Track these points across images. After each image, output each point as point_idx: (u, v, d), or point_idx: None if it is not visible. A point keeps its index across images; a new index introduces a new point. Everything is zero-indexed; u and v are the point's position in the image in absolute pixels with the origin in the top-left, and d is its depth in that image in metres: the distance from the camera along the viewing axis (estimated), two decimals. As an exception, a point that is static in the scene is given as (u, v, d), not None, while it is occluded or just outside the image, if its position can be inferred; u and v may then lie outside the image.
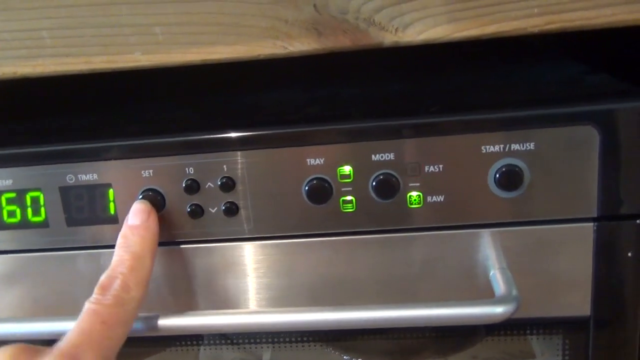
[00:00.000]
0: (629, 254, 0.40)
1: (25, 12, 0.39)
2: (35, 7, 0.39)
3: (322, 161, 0.40)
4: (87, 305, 0.37)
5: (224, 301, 0.44)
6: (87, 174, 0.41)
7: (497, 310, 0.38)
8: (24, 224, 0.42)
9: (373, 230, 0.41)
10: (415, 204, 0.40)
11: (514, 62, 0.54)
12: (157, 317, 0.40)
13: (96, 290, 0.38)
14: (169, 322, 0.41)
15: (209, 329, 0.43)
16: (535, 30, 0.38)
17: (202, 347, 0.50)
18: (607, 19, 0.37)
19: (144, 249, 0.39)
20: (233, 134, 0.40)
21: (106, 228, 0.42)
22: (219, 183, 0.41)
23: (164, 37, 0.39)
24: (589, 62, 0.50)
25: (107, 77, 0.41)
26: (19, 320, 0.42)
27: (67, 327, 0.40)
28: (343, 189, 0.40)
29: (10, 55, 0.40)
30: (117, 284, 0.38)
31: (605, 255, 0.40)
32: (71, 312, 0.43)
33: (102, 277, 0.38)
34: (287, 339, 0.47)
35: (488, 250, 0.41)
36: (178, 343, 0.49)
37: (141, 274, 0.39)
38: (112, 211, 0.42)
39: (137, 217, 0.40)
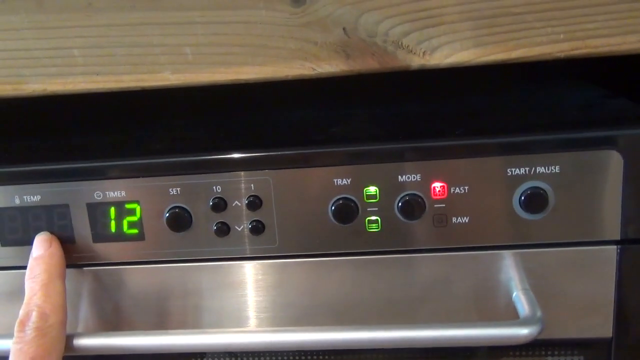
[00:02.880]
0: (651, 277, 0.41)
1: (57, 31, 0.40)
2: (67, 26, 0.40)
3: (348, 181, 0.40)
4: (12, 347, 0.38)
5: (247, 319, 0.44)
6: (114, 191, 0.42)
7: (522, 332, 0.38)
8: (50, 240, 0.43)
9: (398, 250, 0.42)
10: (440, 225, 0.41)
11: (534, 84, 0.55)
12: (175, 334, 0.41)
13: (16, 328, 0.38)
14: (188, 340, 0.41)
15: (230, 347, 0.43)
16: (561, 55, 0.39)
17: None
18: (632, 46, 0.38)
19: (51, 275, 0.40)
20: (261, 154, 0.41)
21: (132, 245, 0.42)
22: (246, 202, 0.41)
23: (193, 57, 0.40)
24: (604, 85, 0.51)
25: (135, 95, 0.42)
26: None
27: (87, 343, 0.41)
28: (369, 209, 0.41)
29: (41, 72, 0.41)
30: (34, 316, 0.38)
31: (628, 277, 0.41)
32: (92, 328, 0.44)
33: (19, 315, 0.39)
34: (309, 358, 0.48)
35: (511, 272, 0.41)
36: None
37: (55, 299, 0.40)
38: (138, 228, 0.42)
39: (39, 248, 0.42)
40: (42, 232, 0.42)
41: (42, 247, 0.42)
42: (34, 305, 0.39)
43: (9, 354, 0.38)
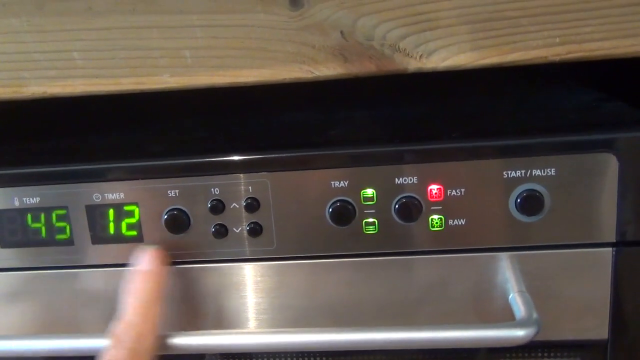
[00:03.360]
0: (647, 279, 0.41)
1: (57, 34, 0.40)
2: (67, 29, 0.40)
3: (346, 184, 0.41)
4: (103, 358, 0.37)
5: (245, 320, 0.44)
6: (113, 193, 0.42)
7: (519, 334, 0.38)
8: (49, 242, 0.43)
9: (394, 252, 0.42)
10: (436, 227, 0.41)
11: (531, 87, 0.55)
12: (175, 335, 0.41)
13: (110, 339, 0.37)
14: (187, 341, 0.41)
15: (229, 348, 0.43)
16: (557, 59, 0.39)
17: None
18: (627, 49, 0.38)
19: (155, 296, 0.40)
20: (258, 156, 0.41)
21: (131, 247, 0.42)
22: (244, 204, 0.41)
23: (192, 61, 0.40)
24: (599, 88, 0.51)
25: (135, 97, 0.42)
26: (41, 337, 0.42)
27: (89, 344, 0.41)
28: (366, 211, 0.41)
29: (41, 75, 0.41)
30: (132, 335, 0.37)
31: (624, 279, 0.41)
32: (94, 329, 0.44)
33: (115, 327, 0.38)
34: (307, 359, 0.48)
35: (507, 274, 0.42)
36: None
37: (153, 321, 0.39)
38: (137, 230, 0.42)
39: (145, 263, 0.41)
40: (154, 247, 0.41)
41: (149, 262, 0.41)
42: (133, 324, 0.38)
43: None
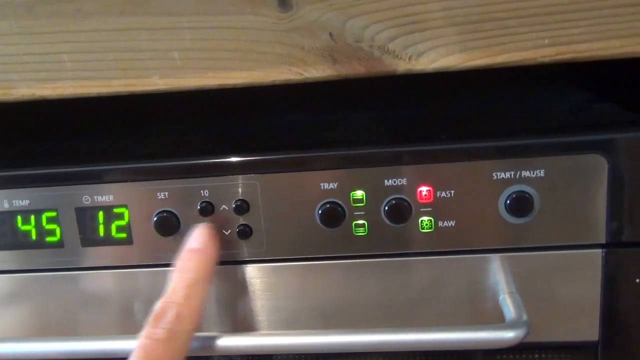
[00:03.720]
0: (637, 280, 0.41)
1: (46, 36, 0.40)
2: (56, 31, 0.40)
3: (335, 185, 0.41)
4: (140, 341, 0.35)
5: (234, 323, 0.44)
6: (103, 195, 0.42)
7: (508, 335, 0.38)
8: (39, 244, 0.43)
9: (384, 254, 0.42)
10: (426, 228, 0.41)
11: (521, 88, 0.55)
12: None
13: (149, 321, 0.36)
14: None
15: (217, 350, 0.43)
16: (546, 60, 0.39)
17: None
18: (616, 51, 0.38)
19: (201, 276, 0.38)
20: (248, 158, 0.41)
21: (121, 249, 0.42)
22: (234, 206, 0.41)
23: (181, 62, 0.40)
24: (593, 89, 0.51)
25: (124, 99, 0.42)
26: (31, 340, 0.42)
27: (78, 347, 0.41)
28: (355, 213, 0.41)
29: (30, 77, 0.41)
30: (170, 314, 0.36)
31: (613, 281, 0.41)
32: (84, 332, 0.44)
33: (157, 306, 0.37)
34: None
35: (497, 275, 0.42)
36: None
37: (195, 303, 0.37)
38: (127, 232, 0.42)
39: (197, 242, 0.39)
40: (205, 224, 0.40)
41: (201, 240, 0.39)
42: (174, 303, 0.37)
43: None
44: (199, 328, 0.38)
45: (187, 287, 0.38)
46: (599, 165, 0.39)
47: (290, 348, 0.41)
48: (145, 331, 0.36)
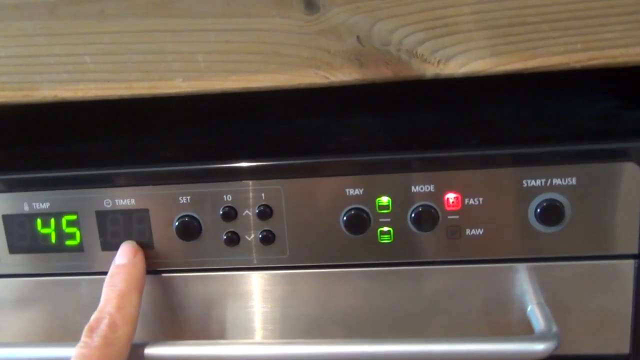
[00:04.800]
0: (670, 292, 0.40)
1: (69, 37, 0.40)
2: (79, 32, 0.39)
3: (360, 191, 0.40)
4: (76, 351, 0.37)
5: (256, 330, 0.43)
6: (124, 199, 0.41)
7: (538, 347, 0.37)
8: (59, 247, 0.42)
9: (410, 262, 0.41)
10: (453, 236, 0.40)
11: (549, 94, 0.54)
12: (178, 344, 0.40)
13: (84, 333, 0.38)
14: (195, 351, 0.40)
15: (243, 359, 0.42)
16: (578, 65, 0.38)
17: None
18: (650, 56, 0.38)
19: (129, 287, 0.40)
20: (271, 163, 0.40)
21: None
22: (257, 211, 0.40)
23: (205, 65, 0.40)
24: (618, 96, 0.50)
25: (146, 101, 0.42)
26: (50, 345, 0.42)
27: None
28: (381, 220, 0.40)
29: (52, 79, 0.40)
30: (104, 324, 0.38)
31: (646, 293, 0.40)
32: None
33: (90, 320, 0.39)
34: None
35: (525, 285, 0.41)
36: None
37: (128, 311, 0.39)
38: (148, 237, 0.41)
39: (123, 256, 0.41)
40: (128, 241, 0.42)
41: (126, 256, 0.41)
42: (106, 313, 0.39)
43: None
44: (133, 336, 0.39)
45: (118, 297, 0.39)
46: (632, 174, 0.38)
47: (312, 357, 0.40)
48: (82, 342, 0.38)
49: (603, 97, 0.51)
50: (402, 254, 0.41)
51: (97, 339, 0.37)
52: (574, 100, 0.52)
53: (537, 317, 0.39)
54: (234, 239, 0.41)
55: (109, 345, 0.37)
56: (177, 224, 0.41)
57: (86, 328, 0.38)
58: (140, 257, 0.41)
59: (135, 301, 0.40)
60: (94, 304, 0.43)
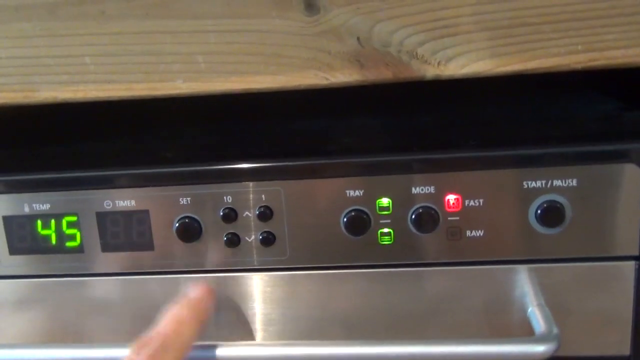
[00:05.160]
0: (671, 294, 0.40)
1: (69, 39, 0.39)
2: (79, 33, 0.39)
3: (361, 193, 0.40)
4: None
5: (256, 331, 0.43)
6: (124, 200, 0.41)
7: (538, 349, 0.37)
8: (59, 249, 0.42)
9: (410, 264, 0.41)
10: (454, 238, 0.40)
11: (550, 95, 0.54)
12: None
13: (133, 347, 0.36)
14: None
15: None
16: (579, 67, 0.38)
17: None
18: (652, 57, 0.37)
19: (192, 317, 0.39)
20: (272, 164, 0.40)
21: (141, 255, 0.42)
22: (257, 212, 0.40)
23: (206, 66, 0.40)
24: (619, 97, 0.50)
25: (146, 102, 0.42)
26: (50, 346, 0.42)
27: (98, 354, 0.40)
28: (381, 221, 0.40)
29: (52, 80, 0.40)
30: (155, 343, 0.36)
31: (647, 294, 0.40)
32: (102, 338, 0.44)
33: (143, 335, 0.37)
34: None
35: (526, 287, 0.41)
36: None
37: (184, 340, 0.37)
38: (148, 238, 0.41)
39: (194, 291, 0.40)
40: (205, 283, 0.41)
41: (197, 290, 0.41)
42: (161, 335, 0.37)
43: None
44: None
45: (178, 323, 0.38)
46: (633, 175, 0.38)
47: (312, 359, 0.40)
48: (130, 353, 0.36)
49: (604, 99, 0.51)
50: (403, 256, 0.41)
51: (142, 356, 0.35)
52: (575, 102, 0.52)
53: (537, 318, 0.39)
54: (234, 241, 0.41)
55: None
56: (177, 225, 0.41)
57: (136, 342, 0.37)
58: (212, 298, 0.41)
59: (193, 333, 0.38)
60: (94, 306, 0.43)
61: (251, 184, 0.40)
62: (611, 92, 0.52)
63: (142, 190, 0.41)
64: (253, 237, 0.41)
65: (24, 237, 0.42)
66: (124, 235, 0.42)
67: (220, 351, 0.40)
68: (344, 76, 0.39)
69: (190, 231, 0.41)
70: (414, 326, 0.42)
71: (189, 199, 0.41)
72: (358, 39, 0.38)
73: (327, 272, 0.41)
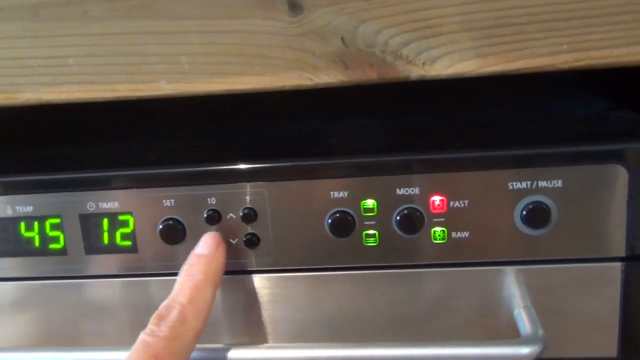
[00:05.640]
0: (658, 296, 0.39)
1: (52, 39, 0.39)
2: (62, 34, 0.39)
3: (345, 194, 0.40)
4: (141, 337, 0.35)
5: (240, 334, 0.43)
6: (107, 202, 0.41)
7: (523, 351, 0.37)
8: (43, 251, 0.42)
9: (395, 265, 0.41)
10: (439, 239, 0.40)
11: (537, 96, 0.54)
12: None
13: (152, 320, 0.36)
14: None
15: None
16: (564, 66, 0.38)
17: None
18: (636, 57, 0.37)
19: (206, 279, 0.38)
20: (256, 165, 0.40)
21: (125, 257, 0.42)
22: (241, 214, 0.40)
23: (189, 67, 0.39)
24: (610, 97, 0.50)
25: (130, 104, 0.41)
26: (34, 349, 0.41)
27: (81, 357, 0.40)
28: (366, 223, 0.40)
29: (35, 81, 0.40)
30: (174, 314, 0.36)
31: (634, 295, 0.39)
32: (86, 341, 0.43)
33: (160, 307, 0.37)
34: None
35: (512, 288, 0.40)
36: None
37: (201, 304, 0.37)
38: (131, 240, 0.41)
39: (205, 247, 0.40)
40: (212, 232, 0.40)
41: (207, 246, 0.40)
42: (177, 303, 0.37)
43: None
44: (202, 331, 0.37)
45: (193, 288, 0.38)
46: (618, 176, 0.38)
47: (297, 361, 0.40)
48: (148, 330, 0.36)
49: (594, 99, 0.51)
50: (388, 257, 0.40)
51: (164, 329, 0.35)
52: (563, 102, 0.51)
53: (523, 320, 0.39)
54: (218, 243, 0.41)
55: (176, 338, 0.35)
56: (161, 227, 0.41)
57: (154, 315, 0.36)
58: (221, 250, 0.40)
59: (209, 295, 0.38)
60: (78, 308, 0.43)
61: (235, 185, 0.40)
62: (603, 91, 0.52)
63: (126, 192, 0.41)
64: (237, 239, 0.41)
65: (7, 240, 0.42)
66: (108, 237, 0.41)
67: (204, 354, 0.40)
68: (328, 77, 0.39)
69: (174, 233, 0.41)
70: (400, 328, 0.41)
71: (172, 200, 0.40)
72: (342, 39, 0.38)
73: (312, 274, 0.41)
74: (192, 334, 0.36)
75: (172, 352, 0.35)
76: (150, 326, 0.36)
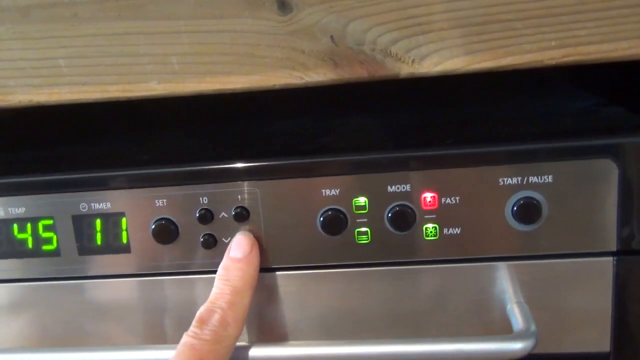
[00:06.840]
0: (649, 289, 0.40)
1: (42, 41, 0.39)
2: (52, 36, 0.39)
3: (337, 192, 0.40)
4: (185, 339, 0.36)
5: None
6: (100, 203, 0.41)
7: (516, 346, 0.37)
8: (36, 252, 0.42)
9: (388, 262, 0.41)
10: (431, 236, 0.40)
11: (527, 92, 0.54)
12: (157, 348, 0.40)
13: (194, 323, 0.37)
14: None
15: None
16: (552, 62, 0.38)
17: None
18: (624, 52, 0.37)
19: (244, 284, 0.39)
20: (248, 164, 0.40)
21: (118, 257, 0.42)
22: (233, 213, 0.40)
23: (179, 67, 0.39)
24: (600, 93, 0.50)
25: (122, 105, 0.41)
26: (28, 351, 0.41)
27: (75, 357, 0.40)
28: (358, 220, 0.40)
29: (26, 83, 0.40)
30: (215, 319, 0.37)
31: (625, 290, 0.40)
32: (80, 342, 0.43)
33: (201, 310, 0.38)
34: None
35: (504, 284, 0.40)
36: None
37: (240, 310, 0.38)
38: (124, 240, 0.41)
39: (239, 250, 0.40)
40: (244, 232, 0.40)
41: (242, 249, 0.40)
42: (218, 308, 0.37)
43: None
44: (239, 336, 0.38)
45: (232, 294, 0.38)
46: (609, 171, 0.38)
47: (288, 359, 0.40)
48: (192, 332, 0.36)
49: (582, 95, 0.51)
50: (380, 255, 0.40)
51: (208, 332, 0.36)
52: (553, 98, 0.52)
53: (516, 315, 0.39)
54: (211, 242, 0.41)
55: (219, 341, 0.36)
56: (153, 227, 0.41)
57: (197, 318, 0.37)
58: (255, 253, 0.40)
59: (246, 300, 0.39)
60: (71, 309, 0.43)
61: (227, 184, 0.40)
62: (593, 88, 0.52)
63: (118, 192, 0.41)
64: (230, 238, 0.41)
65: (0, 242, 0.42)
66: (101, 238, 0.41)
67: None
68: (318, 75, 0.39)
69: (166, 233, 0.41)
70: (392, 325, 0.41)
71: (164, 200, 0.40)
72: (332, 37, 0.38)
73: (305, 272, 0.41)
74: (232, 338, 0.37)
75: (215, 356, 0.36)
76: (194, 329, 0.37)
